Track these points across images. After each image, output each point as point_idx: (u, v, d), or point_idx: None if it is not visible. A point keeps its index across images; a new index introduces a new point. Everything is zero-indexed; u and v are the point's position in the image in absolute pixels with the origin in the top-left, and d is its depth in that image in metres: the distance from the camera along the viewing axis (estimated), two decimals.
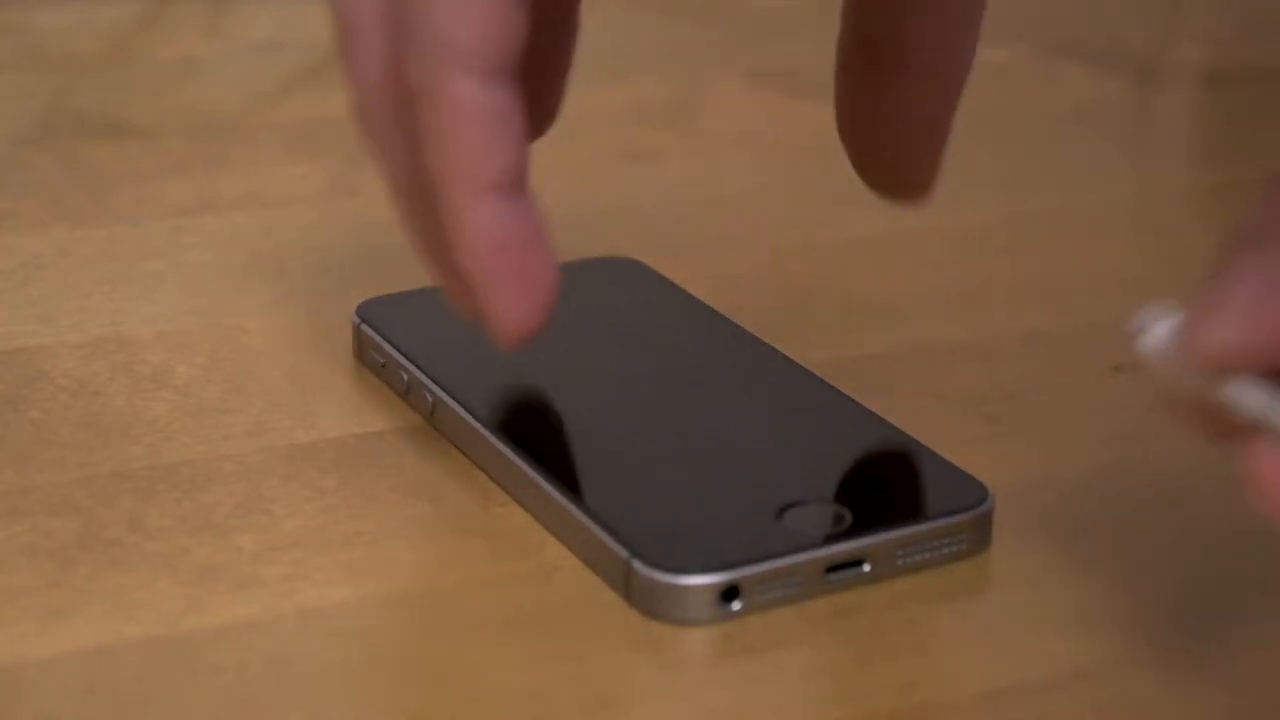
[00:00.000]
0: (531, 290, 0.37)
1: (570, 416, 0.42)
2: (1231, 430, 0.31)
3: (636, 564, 0.36)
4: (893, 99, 0.41)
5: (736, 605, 0.36)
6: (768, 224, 0.45)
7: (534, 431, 0.40)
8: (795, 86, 0.64)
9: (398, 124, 0.38)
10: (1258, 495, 0.30)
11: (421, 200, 0.37)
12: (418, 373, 0.43)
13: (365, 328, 0.45)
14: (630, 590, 0.37)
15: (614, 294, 0.47)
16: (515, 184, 0.36)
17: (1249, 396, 0.30)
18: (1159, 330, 0.31)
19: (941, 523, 0.38)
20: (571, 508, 0.38)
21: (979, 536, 0.38)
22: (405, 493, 0.40)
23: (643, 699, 0.34)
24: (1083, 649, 0.35)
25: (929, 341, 0.48)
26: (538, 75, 0.40)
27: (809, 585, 0.37)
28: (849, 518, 0.38)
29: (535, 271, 0.37)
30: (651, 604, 0.36)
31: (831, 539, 0.37)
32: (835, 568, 0.37)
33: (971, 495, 0.39)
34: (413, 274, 0.42)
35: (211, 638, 0.36)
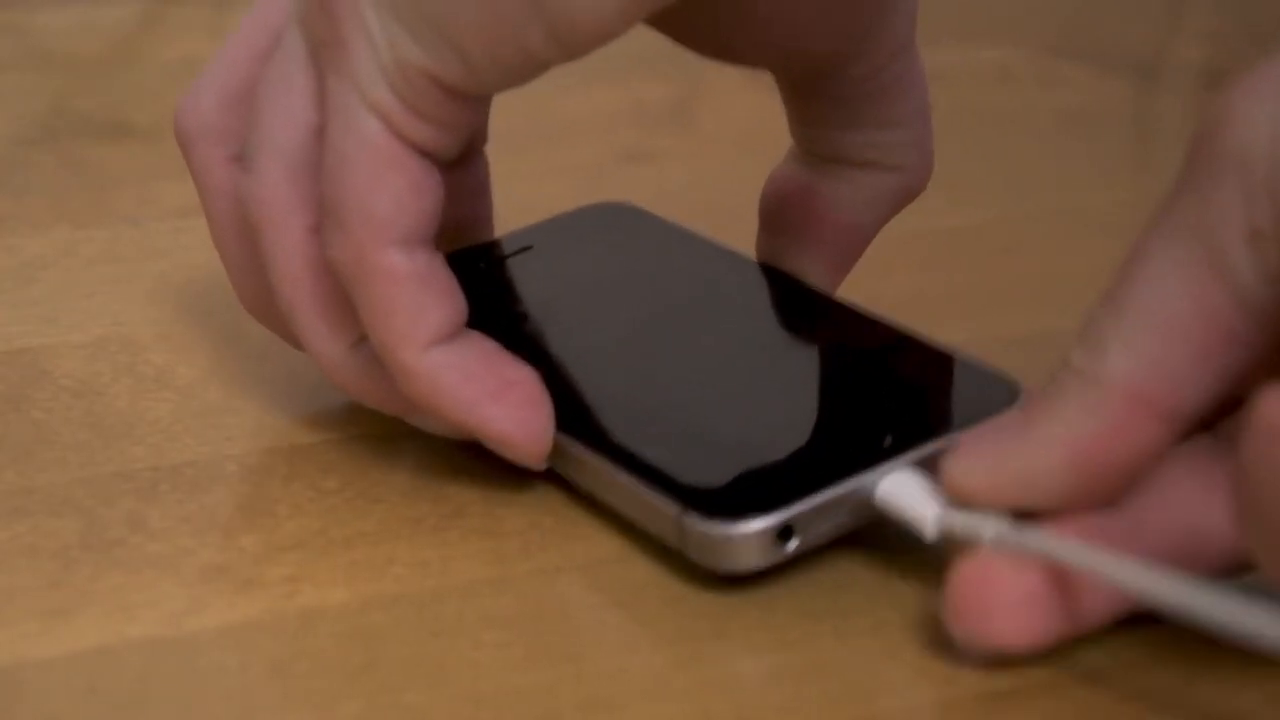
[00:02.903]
0: (516, 394, 0.38)
1: (591, 373, 0.41)
2: None
3: (688, 519, 0.36)
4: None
5: (793, 544, 0.36)
6: None
7: (559, 396, 0.38)
8: None
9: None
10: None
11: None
12: None
13: None
14: (685, 544, 0.36)
15: (613, 238, 0.47)
16: (456, 331, 0.38)
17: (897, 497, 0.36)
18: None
19: (978, 427, 0.37)
20: (612, 468, 0.38)
21: None
22: (406, 493, 0.40)
23: (643, 700, 0.34)
24: (1088, 646, 0.35)
25: None
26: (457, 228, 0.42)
27: (860, 512, 0.36)
28: (889, 437, 0.37)
29: (511, 377, 0.38)
30: (708, 555, 0.36)
31: (875, 461, 0.36)
32: None
33: (1003, 395, 0.38)
34: None
35: (213, 638, 0.36)
